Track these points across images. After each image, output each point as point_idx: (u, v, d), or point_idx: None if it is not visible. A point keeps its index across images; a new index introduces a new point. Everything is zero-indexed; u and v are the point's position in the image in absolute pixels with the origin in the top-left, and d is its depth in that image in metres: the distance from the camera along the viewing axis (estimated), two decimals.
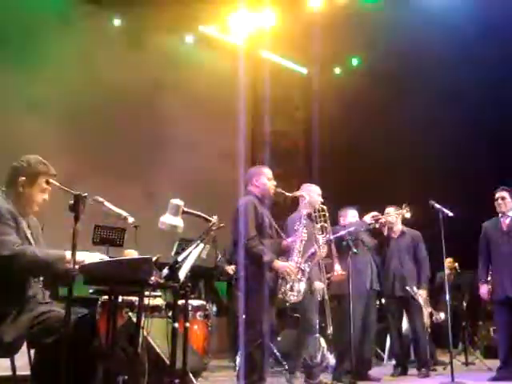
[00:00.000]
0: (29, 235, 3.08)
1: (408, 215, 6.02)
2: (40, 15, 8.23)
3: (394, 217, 6.05)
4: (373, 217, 5.70)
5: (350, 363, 5.03)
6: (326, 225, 5.15)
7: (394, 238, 6.19)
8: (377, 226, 5.87)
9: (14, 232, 2.94)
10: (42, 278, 3.10)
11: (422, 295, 6.03)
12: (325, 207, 5.23)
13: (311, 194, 5.18)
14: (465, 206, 6.53)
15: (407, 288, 5.96)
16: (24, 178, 3.05)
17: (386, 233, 6.08)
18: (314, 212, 5.18)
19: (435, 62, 9.16)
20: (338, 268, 5.18)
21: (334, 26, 9.26)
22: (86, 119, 8.40)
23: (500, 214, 5.66)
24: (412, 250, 6.15)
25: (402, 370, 6.17)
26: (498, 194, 5.65)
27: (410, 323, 6.30)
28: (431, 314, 6.41)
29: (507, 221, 5.61)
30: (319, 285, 4.97)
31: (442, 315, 6.02)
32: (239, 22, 9.28)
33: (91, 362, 2.98)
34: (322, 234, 5.09)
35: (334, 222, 5.72)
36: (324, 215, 5.18)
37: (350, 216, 5.85)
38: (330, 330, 5.16)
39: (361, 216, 5.85)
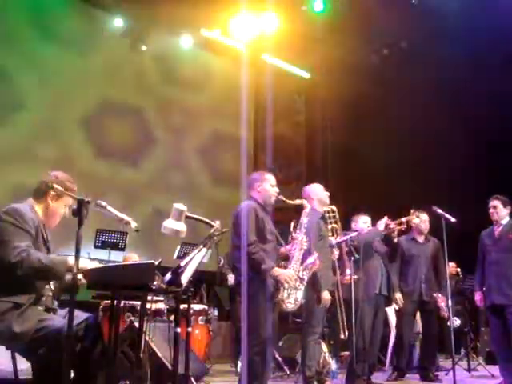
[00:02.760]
0: (48, 244, 3.24)
1: (417, 221, 6.02)
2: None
3: (404, 221, 5.97)
4: (386, 225, 5.68)
5: (351, 367, 5.05)
6: (336, 226, 5.09)
7: (419, 243, 6.37)
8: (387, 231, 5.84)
9: (29, 238, 3.04)
10: (52, 287, 3.16)
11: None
12: (335, 208, 5.16)
13: (316, 192, 5.10)
14: (468, 210, 6.53)
15: (434, 295, 6.22)
16: (54, 193, 3.21)
17: (396, 240, 6.01)
18: (327, 213, 5.12)
19: (434, 60, 9.17)
20: (348, 272, 5.14)
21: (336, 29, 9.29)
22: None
23: (494, 222, 5.67)
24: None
25: (398, 374, 6.20)
26: (490, 203, 5.66)
27: (424, 327, 6.42)
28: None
29: (499, 229, 5.62)
30: (326, 295, 4.90)
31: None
32: (241, 26, 9.25)
33: (93, 367, 2.98)
34: (333, 235, 5.05)
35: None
36: (334, 216, 5.12)
37: (361, 222, 5.75)
38: (343, 335, 5.09)
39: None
